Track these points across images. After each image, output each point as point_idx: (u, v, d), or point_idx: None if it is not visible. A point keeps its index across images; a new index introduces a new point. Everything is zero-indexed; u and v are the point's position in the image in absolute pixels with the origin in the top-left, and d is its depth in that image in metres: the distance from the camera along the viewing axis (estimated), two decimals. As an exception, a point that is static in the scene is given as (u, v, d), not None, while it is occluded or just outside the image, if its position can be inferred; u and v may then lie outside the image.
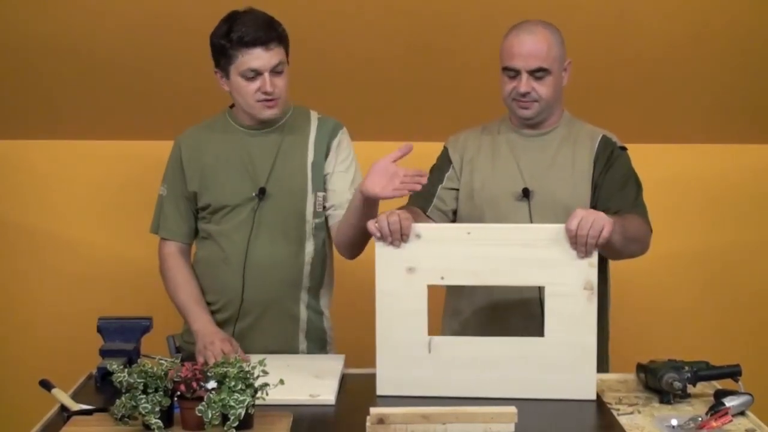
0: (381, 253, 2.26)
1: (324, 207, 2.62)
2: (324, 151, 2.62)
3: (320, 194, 2.62)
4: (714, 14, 3.07)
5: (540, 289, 2.37)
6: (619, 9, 3.07)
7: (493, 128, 2.68)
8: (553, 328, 2.23)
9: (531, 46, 2.49)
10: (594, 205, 2.54)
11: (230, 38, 2.47)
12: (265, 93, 2.50)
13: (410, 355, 2.26)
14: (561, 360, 2.23)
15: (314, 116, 2.67)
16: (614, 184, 2.55)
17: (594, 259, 2.22)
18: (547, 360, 2.23)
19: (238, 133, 2.62)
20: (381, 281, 2.26)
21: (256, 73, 2.49)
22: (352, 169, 2.65)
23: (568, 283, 2.21)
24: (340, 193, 2.61)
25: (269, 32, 2.48)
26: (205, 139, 2.64)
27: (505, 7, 2.93)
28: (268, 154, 2.60)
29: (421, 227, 2.29)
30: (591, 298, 2.22)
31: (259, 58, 2.47)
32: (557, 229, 2.27)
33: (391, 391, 2.26)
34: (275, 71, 2.50)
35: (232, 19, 2.50)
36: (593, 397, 2.23)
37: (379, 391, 2.27)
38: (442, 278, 2.28)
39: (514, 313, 2.50)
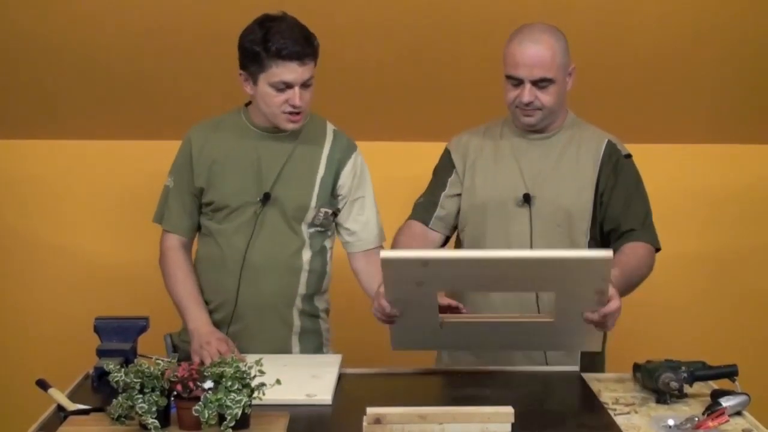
0: (388, 272, 2.11)
1: (325, 219, 2.61)
2: (334, 170, 2.60)
3: (323, 210, 2.60)
4: (714, 14, 3.07)
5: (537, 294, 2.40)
6: (619, 9, 3.07)
7: (495, 130, 2.66)
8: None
9: (535, 56, 2.44)
10: (602, 220, 2.53)
11: (267, 48, 2.42)
12: (293, 106, 2.48)
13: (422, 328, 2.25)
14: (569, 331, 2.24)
15: (330, 129, 2.65)
16: (622, 202, 2.53)
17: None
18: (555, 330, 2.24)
19: (250, 134, 2.59)
20: (389, 294, 2.17)
21: (287, 86, 2.46)
22: (370, 196, 2.66)
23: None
24: (361, 222, 2.64)
25: (306, 47, 2.44)
26: (216, 135, 2.61)
27: (506, 9, 2.93)
28: (278, 159, 2.57)
29: (429, 254, 2.22)
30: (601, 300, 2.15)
31: (293, 72, 2.44)
32: (567, 255, 2.18)
33: (404, 345, 2.28)
34: (305, 85, 2.47)
35: (267, 26, 2.44)
36: (599, 349, 2.33)
37: (394, 347, 2.28)
38: (452, 286, 2.29)
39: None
